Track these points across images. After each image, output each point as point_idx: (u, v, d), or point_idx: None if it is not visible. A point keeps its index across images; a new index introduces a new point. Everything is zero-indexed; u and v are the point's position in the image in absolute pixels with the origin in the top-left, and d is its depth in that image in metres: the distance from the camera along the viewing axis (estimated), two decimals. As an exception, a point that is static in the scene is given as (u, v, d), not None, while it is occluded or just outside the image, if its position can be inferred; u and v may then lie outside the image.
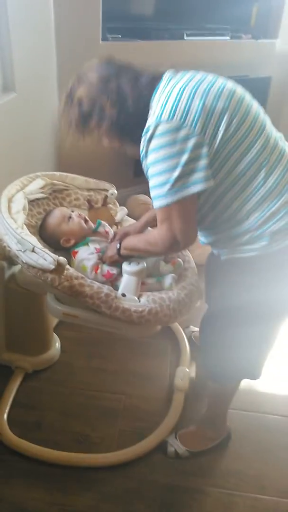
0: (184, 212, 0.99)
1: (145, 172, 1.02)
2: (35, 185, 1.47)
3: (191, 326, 1.90)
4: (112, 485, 1.33)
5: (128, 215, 1.70)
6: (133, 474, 1.36)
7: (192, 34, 2.69)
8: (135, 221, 1.63)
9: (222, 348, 1.20)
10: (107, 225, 1.54)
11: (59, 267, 1.15)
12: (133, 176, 2.83)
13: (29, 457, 1.38)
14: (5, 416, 1.49)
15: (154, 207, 1.01)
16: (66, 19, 2.15)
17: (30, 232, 1.31)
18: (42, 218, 1.43)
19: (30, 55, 1.90)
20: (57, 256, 1.17)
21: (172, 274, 1.31)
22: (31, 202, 1.45)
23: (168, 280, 1.29)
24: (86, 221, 1.42)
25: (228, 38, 2.84)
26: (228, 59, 2.83)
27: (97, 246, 1.37)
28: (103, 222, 1.53)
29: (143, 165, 1.02)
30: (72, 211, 1.44)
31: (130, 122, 1.02)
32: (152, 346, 1.84)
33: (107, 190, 1.65)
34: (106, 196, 1.63)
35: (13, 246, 1.21)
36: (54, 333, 1.77)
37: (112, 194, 1.64)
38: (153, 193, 0.99)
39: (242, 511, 1.29)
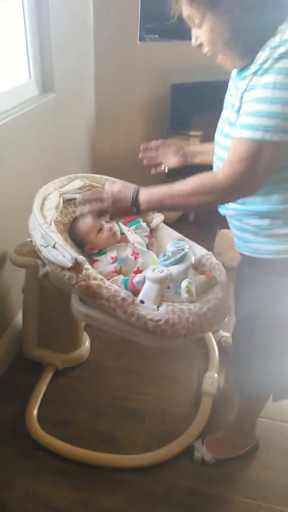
0: (273, 159, 0.86)
1: (242, 92, 0.90)
2: (73, 185, 1.49)
3: (221, 331, 1.88)
4: (138, 487, 1.33)
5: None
6: (160, 478, 1.36)
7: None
8: (169, 228, 1.62)
9: (253, 357, 1.18)
10: (146, 226, 1.54)
11: (77, 266, 1.15)
12: (165, 177, 2.82)
13: (57, 454, 1.40)
14: (36, 411, 1.51)
15: (239, 137, 0.87)
16: (105, 20, 2.17)
17: (60, 230, 1.33)
18: (74, 219, 1.45)
19: (69, 56, 1.93)
20: (76, 254, 1.17)
21: (186, 282, 1.22)
22: (68, 201, 1.47)
23: (183, 285, 1.20)
24: (115, 234, 1.41)
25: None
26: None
27: (114, 255, 1.36)
28: (143, 223, 1.54)
29: (243, 84, 0.90)
30: (107, 221, 1.43)
31: (256, 25, 0.86)
32: (180, 349, 1.83)
33: None
34: None
35: (38, 240, 1.24)
36: (85, 332, 1.79)
37: None
38: (253, 119, 0.84)
39: (269, 523, 1.27)
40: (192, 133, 2.88)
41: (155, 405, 1.59)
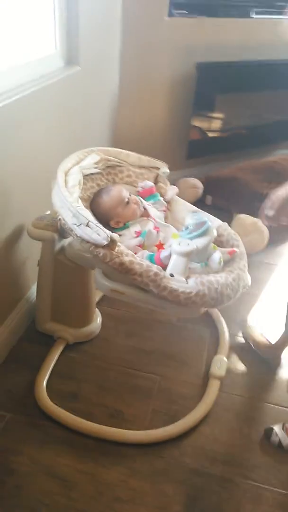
0: None
1: None
2: (90, 160, 1.47)
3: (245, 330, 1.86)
4: (142, 462, 1.35)
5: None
6: (163, 455, 1.38)
7: (260, 11, 2.58)
8: (182, 200, 1.62)
9: None
10: (163, 201, 1.54)
11: (111, 243, 1.16)
12: (185, 159, 2.79)
13: (64, 425, 1.42)
14: (45, 382, 1.54)
15: None
16: (134, -7, 2.11)
17: (83, 206, 1.33)
18: (97, 193, 1.44)
19: (96, 29, 1.89)
20: (110, 232, 1.18)
21: (219, 253, 1.28)
22: (86, 176, 1.46)
23: (216, 256, 1.25)
24: (140, 206, 1.43)
25: (299, 17, 2.70)
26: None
27: (137, 229, 1.36)
28: (160, 198, 1.53)
29: None
30: (130, 194, 1.44)
31: None
32: (190, 331, 1.84)
33: (158, 168, 1.64)
34: (157, 175, 1.62)
35: (69, 219, 1.23)
36: (97, 309, 1.80)
37: (164, 173, 1.62)
38: None
39: (271, 505, 1.28)
40: (216, 114, 2.83)
41: (162, 384, 1.61)
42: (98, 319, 1.79)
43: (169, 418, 1.47)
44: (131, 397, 1.55)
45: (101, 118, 2.25)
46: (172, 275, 1.19)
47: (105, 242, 1.16)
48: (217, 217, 1.49)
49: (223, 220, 1.49)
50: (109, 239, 1.16)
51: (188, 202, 2.64)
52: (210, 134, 2.85)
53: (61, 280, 1.61)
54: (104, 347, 1.74)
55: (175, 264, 1.21)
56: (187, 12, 2.37)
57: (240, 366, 1.71)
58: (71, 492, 1.26)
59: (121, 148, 1.65)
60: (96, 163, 1.50)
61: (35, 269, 1.63)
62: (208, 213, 1.50)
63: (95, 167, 1.50)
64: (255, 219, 2.38)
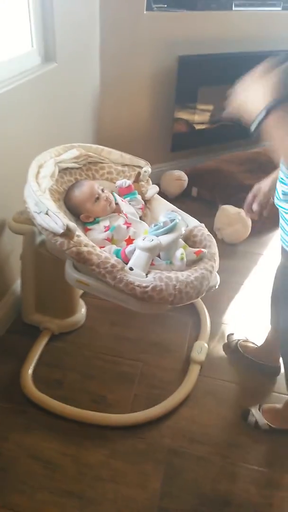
0: None
1: None
2: (69, 155, 1.51)
3: (235, 335, 1.81)
4: (123, 444, 1.41)
5: (163, 190, 1.70)
6: (143, 437, 1.43)
7: (241, 4, 2.61)
8: (163, 200, 1.64)
9: None
10: (141, 199, 1.57)
11: (68, 232, 1.20)
12: (170, 151, 2.82)
13: (49, 411, 1.48)
14: (30, 371, 1.59)
15: None
16: (111, -12, 2.14)
17: (55, 198, 1.37)
18: (70, 187, 1.48)
19: (73, 25, 1.92)
20: (68, 221, 1.21)
21: (182, 250, 1.29)
22: (64, 170, 1.50)
23: (178, 253, 1.26)
24: (110, 203, 1.45)
25: (280, 8, 2.73)
26: (279, 32, 2.72)
27: (106, 224, 1.40)
28: (138, 196, 1.57)
29: None
30: (102, 190, 1.47)
31: None
32: (173, 319, 1.89)
33: (141, 167, 1.67)
34: (139, 173, 1.65)
35: (32, 207, 1.29)
36: (81, 299, 1.85)
37: (145, 172, 1.65)
38: None
39: (247, 481, 1.33)
40: (199, 107, 2.86)
41: (145, 370, 1.66)
42: (82, 309, 1.84)
43: (151, 402, 1.52)
44: (114, 384, 1.60)
45: (83, 114, 2.29)
46: (131, 269, 1.20)
47: (61, 230, 1.19)
48: (203, 208, 1.51)
49: (208, 211, 1.51)
50: (65, 227, 1.19)
51: (174, 194, 2.70)
52: (194, 127, 2.88)
53: (43, 272, 1.65)
54: (89, 337, 1.79)
55: (137, 258, 1.22)
56: (166, 6, 2.40)
57: (220, 351, 1.76)
58: (54, 474, 1.32)
59: (105, 143, 1.69)
60: (76, 158, 1.54)
61: (19, 263, 1.68)
62: (194, 204, 1.52)
63: (74, 162, 1.54)
64: (239, 210, 2.42)
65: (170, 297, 1.17)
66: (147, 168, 1.65)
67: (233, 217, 2.41)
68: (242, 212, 2.40)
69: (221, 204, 2.51)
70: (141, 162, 1.66)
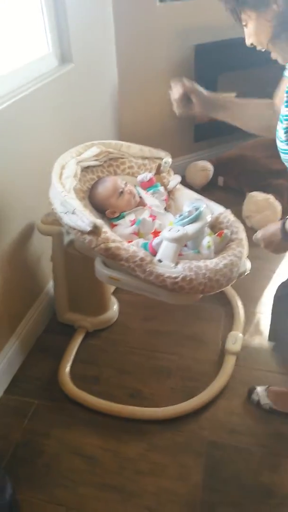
0: None
1: None
2: (89, 153, 1.53)
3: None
4: (161, 437, 1.41)
5: (188, 181, 1.69)
6: (182, 430, 1.43)
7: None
8: (186, 189, 1.64)
9: None
10: (163, 190, 1.57)
11: (95, 229, 1.21)
12: (193, 142, 2.79)
13: (87, 407, 1.50)
14: (68, 369, 1.62)
15: None
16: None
17: (80, 197, 1.39)
18: (93, 185, 1.49)
19: (87, 25, 1.93)
20: (95, 218, 1.23)
21: (208, 238, 1.29)
22: (86, 168, 1.52)
23: (205, 241, 1.27)
24: (134, 196, 1.46)
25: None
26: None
27: (132, 218, 1.40)
28: (161, 187, 1.56)
29: None
30: (125, 184, 1.48)
31: None
32: (206, 311, 1.87)
33: (161, 159, 1.66)
34: (159, 165, 1.65)
35: (58, 208, 1.31)
36: (113, 296, 1.87)
37: (166, 163, 1.64)
38: None
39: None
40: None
41: (180, 363, 1.66)
42: (115, 306, 1.86)
43: (187, 394, 1.52)
44: (150, 378, 1.61)
45: (103, 111, 2.30)
46: (160, 261, 1.20)
47: (89, 228, 1.21)
48: (230, 197, 1.50)
49: (236, 200, 1.50)
50: (92, 225, 1.20)
51: (200, 185, 2.67)
52: (217, 115, 2.83)
53: (74, 271, 1.68)
54: (123, 332, 1.80)
55: (165, 250, 1.22)
56: (179, -4, 2.36)
57: (256, 341, 1.73)
58: (96, 468, 1.34)
59: (127, 139, 1.69)
60: (96, 155, 1.55)
61: (50, 264, 1.71)
62: (221, 194, 1.51)
63: (95, 160, 1.55)
64: (267, 195, 2.36)
65: (200, 286, 1.18)
66: (167, 159, 1.64)
67: (261, 204, 2.36)
68: (270, 197, 2.36)
69: (248, 191, 2.46)
70: (161, 153, 1.66)
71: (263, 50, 1.01)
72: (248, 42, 1.02)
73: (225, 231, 1.34)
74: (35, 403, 1.54)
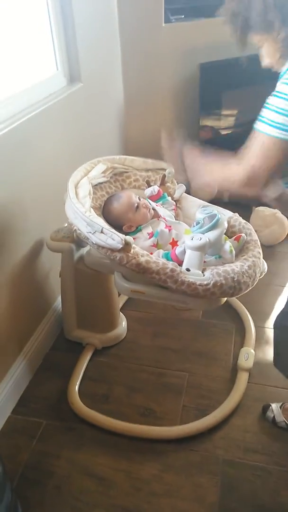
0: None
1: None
2: (97, 170, 1.53)
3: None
4: (175, 457, 1.38)
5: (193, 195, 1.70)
6: (196, 449, 1.40)
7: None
8: (192, 197, 1.65)
9: None
10: (171, 200, 1.58)
11: (126, 246, 1.22)
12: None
13: (98, 426, 1.47)
14: (77, 387, 1.59)
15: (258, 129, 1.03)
16: (129, 5, 2.18)
17: (98, 214, 1.38)
18: (107, 200, 1.49)
19: (95, 45, 1.97)
20: (124, 235, 1.23)
21: (229, 242, 1.31)
22: (95, 186, 1.52)
23: (227, 246, 1.29)
24: (150, 210, 1.47)
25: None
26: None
27: (149, 231, 1.40)
28: (168, 198, 1.57)
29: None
30: (139, 198, 1.49)
31: None
32: (216, 326, 1.85)
33: (164, 170, 1.67)
34: (164, 176, 1.65)
35: (83, 228, 1.29)
36: (121, 313, 1.85)
37: (169, 173, 1.65)
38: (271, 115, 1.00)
39: (306, 492, 1.27)
40: (224, 112, 2.84)
41: (191, 380, 1.63)
42: (123, 323, 1.84)
43: (200, 412, 1.49)
44: (161, 395, 1.58)
45: (110, 129, 2.32)
46: (188, 270, 1.22)
47: (120, 246, 1.21)
48: (237, 212, 1.50)
49: (242, 214, 1.51)
50: (123, 242, 1.21)
51: (205, 201, 2.67)
52: (220, 132, 2.86)
53: (83, 288, 1.67)
54: (132, 349, 1.78)
55: (190, 258, 1.24)
56: (183, 16, 2.42)
57: (268, 356, 1.71)
58: (109, 490, 1.30)
59: (133, 155, 1.70)
60: (103, 172, 1.56)
61: (58, 281, 1.70)
62: (227, 209, 1.52)
63: (103, 176, 1.56)
64: (274, 210, 2.37)
65: (230, 290, 1.20)
66: (170, 169, 1.65)
67: (268, 219, 2.36)
68: (277, 212, 2.36)
69: (254, 206, 2.47)
70: (163, 164, 1.67)
71: (279, 72, 1.05)
72: (263, 63, 1.08)
73: (242, 235, 1.37)
74: (44, 423, 1.51)
